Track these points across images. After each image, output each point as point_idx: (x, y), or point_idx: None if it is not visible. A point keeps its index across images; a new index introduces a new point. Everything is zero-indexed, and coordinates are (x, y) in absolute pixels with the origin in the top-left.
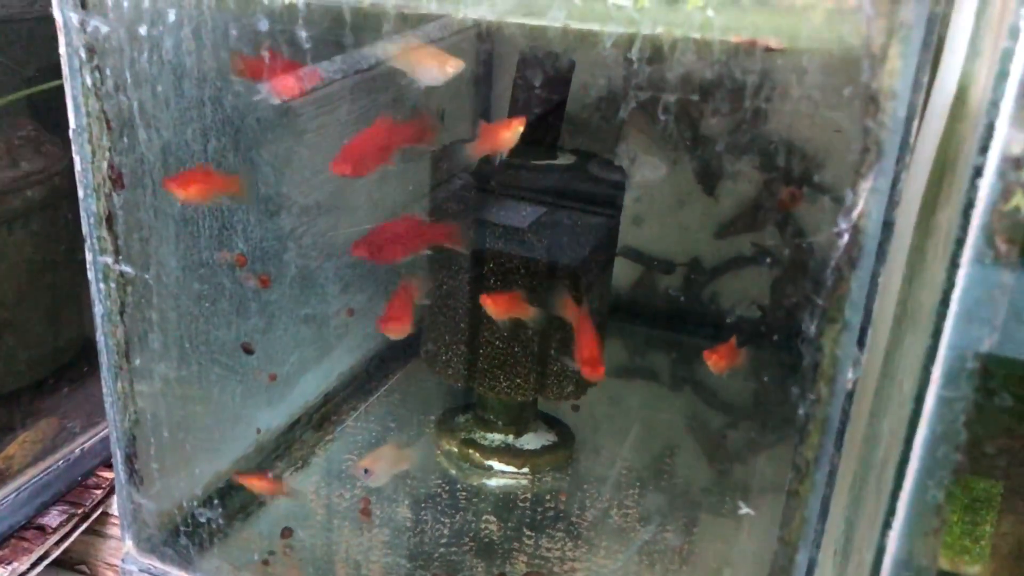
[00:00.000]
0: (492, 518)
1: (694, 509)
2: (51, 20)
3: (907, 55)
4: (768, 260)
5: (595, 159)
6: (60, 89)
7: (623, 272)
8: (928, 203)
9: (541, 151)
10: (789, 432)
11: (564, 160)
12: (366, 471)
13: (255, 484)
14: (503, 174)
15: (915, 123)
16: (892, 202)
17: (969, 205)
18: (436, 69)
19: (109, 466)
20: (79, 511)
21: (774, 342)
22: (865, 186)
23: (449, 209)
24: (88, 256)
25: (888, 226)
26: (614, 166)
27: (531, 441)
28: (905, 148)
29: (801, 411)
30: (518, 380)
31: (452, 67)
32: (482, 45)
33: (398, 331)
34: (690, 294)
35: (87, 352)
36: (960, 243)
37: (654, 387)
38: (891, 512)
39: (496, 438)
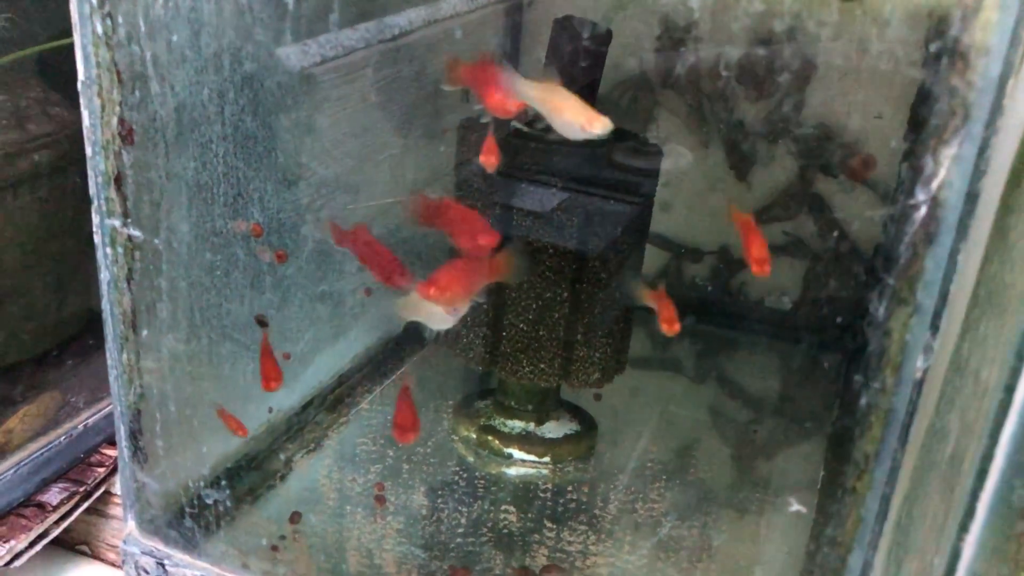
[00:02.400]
0: (511, 508)
1: (719, 504)
2: None
3: (1006, 5)
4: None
5: (630, 135)
6: (70, 50)
7: (650, 259)
8: (1015, 175)
9: None
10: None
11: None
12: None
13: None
14: (532, 148)
15: (1009, 83)
16: (978, 171)
17: None
18: (578, 125)
19: (113, 444)
20: (81, 489)
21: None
22: (948, 153)
23: (474, 186)
24: (95, 218)
25: (972, 199)
26: (649, 143)
27: (553, 429)
28: (996, 111)
29: (863, 401)
30: (542, 365)
31: (600, 126)
32: (510, 18)
33: (412, 439)
34: (717, 283)
35: (93, 325)
36: None
37: (678, 379)
38: (969, 514)
39: (516, 425)
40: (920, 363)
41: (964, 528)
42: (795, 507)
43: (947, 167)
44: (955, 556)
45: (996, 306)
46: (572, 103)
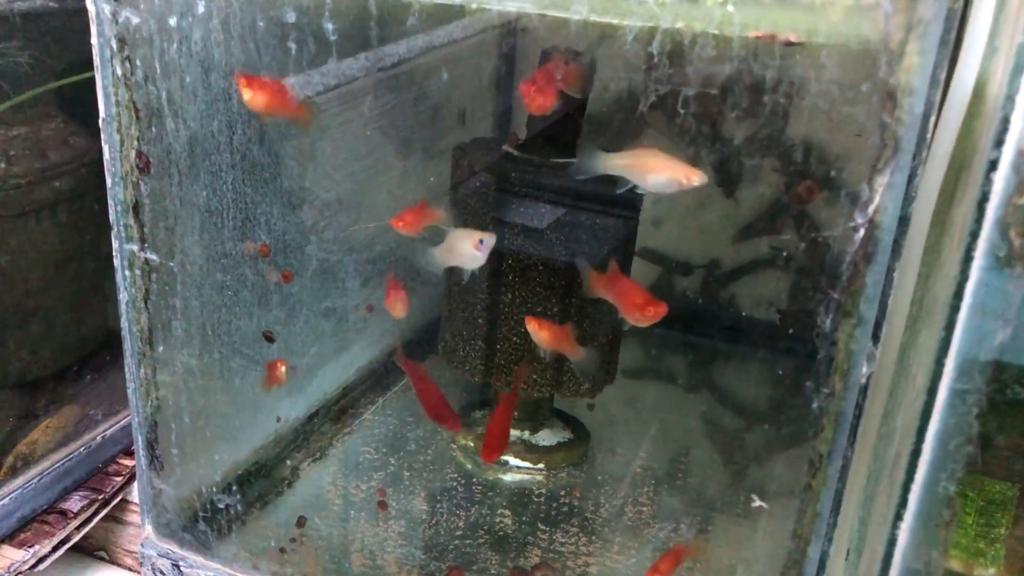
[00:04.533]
0: (507, 512)
1: (709, 508)
2: (81, 14)
3: (925, 51)
4: (786, 263)
5: None
6: (88, 83)
7: (641, 273)
8: (945, 200)
9: (561, 149)
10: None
11: None
12: (482, 241)
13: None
14: (523, 171)
15: (932, 119)
16: (908, 197)
17: (984, 199)
18: (677, 181)
19: (129, 454)
20: (100, 497)
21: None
22: (882, 181)
23: (470, 206)
24: (115, 243)
25: (904, 221)
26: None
27: (547, 437)
28: (922, 144)
29: (815, 405)
30: (535, 376)
31: (697, 179)
32: (505, 43)
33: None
34: (708, 296)
35: (109, 342)
36: (974, 236)
37: (669, 389)
38: (903, 504)
39: (512, 434)
40: (864, 369)
41: (899, 517)
42: (757, 503)
43: (881, 193)
44: (891, 543)
45: (931, 318)
46: (666, 162)
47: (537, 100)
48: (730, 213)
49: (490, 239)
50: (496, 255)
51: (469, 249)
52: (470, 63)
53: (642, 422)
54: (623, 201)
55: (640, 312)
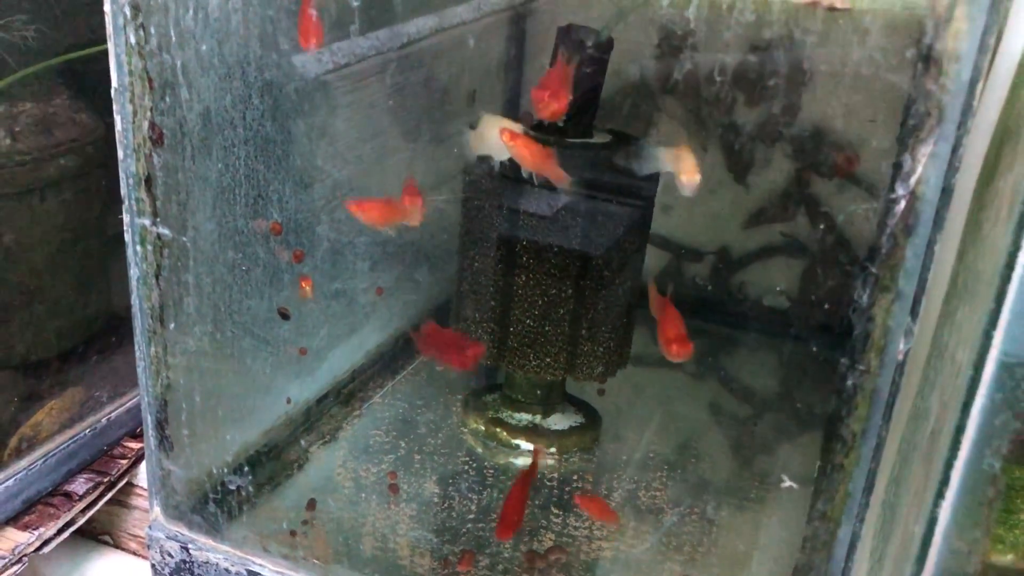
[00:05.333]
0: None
1: (717, 493)
2: None
3: (974, 16)
4: (798, 249)
5: (630, 139)
6: (96, 59)
7: (651, 259)
8: (987, 172)
9: (577, 129)
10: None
11: (600, 139)
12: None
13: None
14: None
15: (979, 87)
16: (952, 168)
17: None
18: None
19: (135, 436)
20: (105, 479)
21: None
22: (925, 151)
23: (483, 188)
24: (126, 218)
25: (947, 192)
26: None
27: (558, 421)
28: (968, 113)
29: (850, 382)
30: (548, 359)
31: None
32: (515, 27)
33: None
34: (717, 283)
35: (115, 324)
36: None
37: (679, 375)
38: (944, 482)
39: (523, 418)
40: (902, 346)
41: (940, 495)
42: (787, 483)
43: (924, 164)
44: (932, 522)
45: (971, 294)
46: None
47: (552, 106)
48: (740, 199)
49: (517, 129)
50: (508, 238)
51: (496, 139)
52: (480, 44)
53: (651, 408)
54: (636, 187)
55: (666, 347)
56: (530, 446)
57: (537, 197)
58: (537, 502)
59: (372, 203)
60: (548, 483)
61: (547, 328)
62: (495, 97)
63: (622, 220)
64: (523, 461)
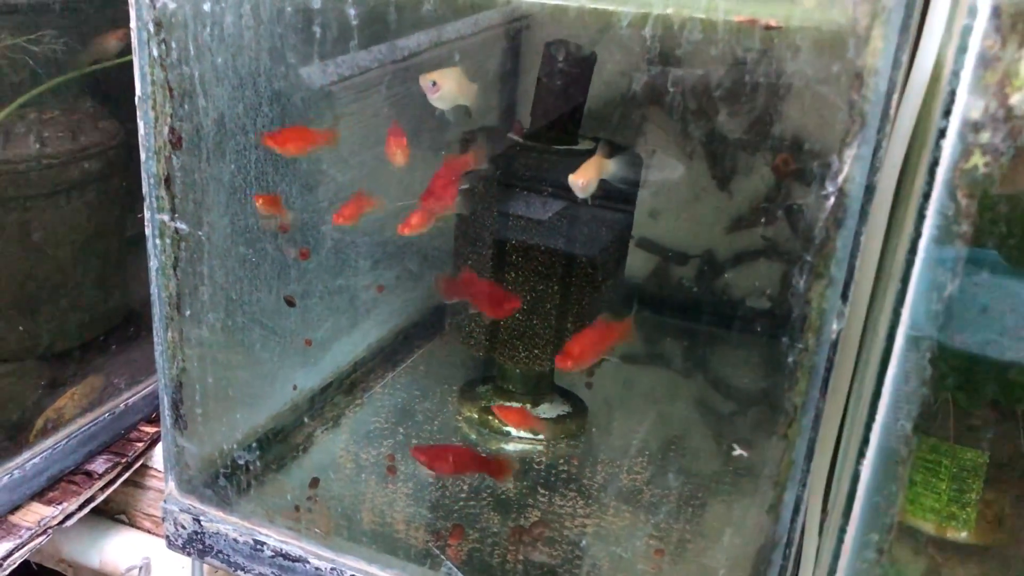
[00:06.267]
0: (509, 478)
1: (698, 479)
2: (113, 4)
3: (888, 36)
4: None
5: (618, 147)
6: (118, 70)
7: (639, 262)
8: (908, 173)
9: (562, 137)
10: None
11: (584, 146)
12: (434, 83)
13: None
14: (524, 158)
15: (895, 97)
16: (874, 168)
17: (934, 163)
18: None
19: (150, 421)
20: (123, 460)
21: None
22: (850, 153)
23: (477, 194)
24: (147, 214)
25: (870, 189)
26: (632, 152)
27: (547, 411)
28: (885, 119)
29: (790, 360)
30: (536, 351)
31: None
32: (510, 41)
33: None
34: (702, 284)
35: (132, 317)
36: (926, 197)
37: (666, 373)
38: (865, 442)
39: (514, 407)
40: (835, 326)
41: (862, 454)
42: (737, 451)
43: (849, 164)
44: (855, 478)
45: (893, 277)
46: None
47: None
48: (723, 205)
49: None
50: (500, 240)
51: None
52: (478, 57)
53: (638, 402)
54: (618, 192)
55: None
56: (520, 433)
57: (530, 204)
58: (525, 484)
59: (287, 131)
60: (536, 467)
61: (535, 322)
62: (491, 109)
63: (603, 222)
64: (514, 447)
